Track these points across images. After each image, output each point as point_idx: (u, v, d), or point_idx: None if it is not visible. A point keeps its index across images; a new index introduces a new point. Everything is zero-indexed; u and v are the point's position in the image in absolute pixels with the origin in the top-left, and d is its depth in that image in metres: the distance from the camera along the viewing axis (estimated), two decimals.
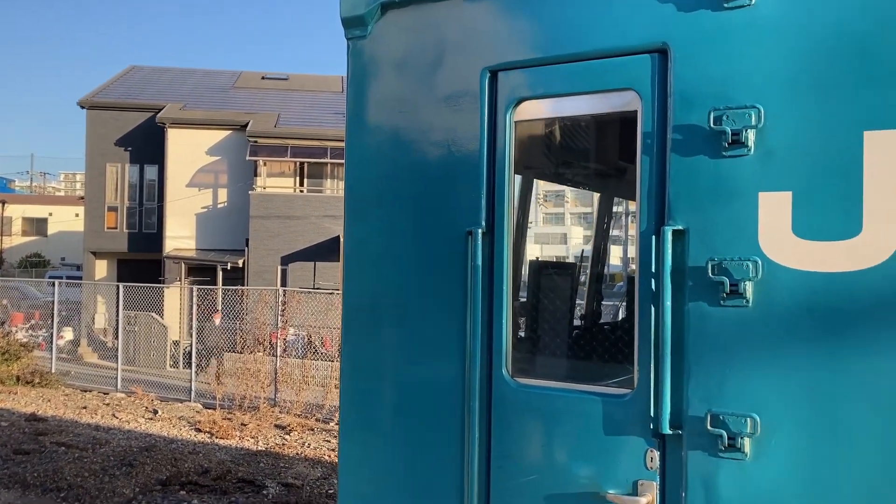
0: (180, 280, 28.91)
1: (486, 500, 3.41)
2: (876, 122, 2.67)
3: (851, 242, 2.70)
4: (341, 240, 4.10)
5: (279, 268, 28.52)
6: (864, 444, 2.66)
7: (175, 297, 25.34)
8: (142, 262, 32.08)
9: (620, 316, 4.13)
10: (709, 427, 2.88)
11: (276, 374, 16.25)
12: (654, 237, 3.06)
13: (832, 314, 2.72)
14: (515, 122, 3.44)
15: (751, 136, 2.86)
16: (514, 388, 3.38)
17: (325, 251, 28.11)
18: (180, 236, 30.93)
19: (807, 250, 2.76)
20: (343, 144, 4.03)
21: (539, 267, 4.50)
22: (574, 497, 3.19)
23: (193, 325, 18.24)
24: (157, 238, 31.74)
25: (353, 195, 3.90)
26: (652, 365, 3.04)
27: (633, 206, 3.38)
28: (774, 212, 2.82)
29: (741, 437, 2.83)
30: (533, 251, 4.79)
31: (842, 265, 2.71)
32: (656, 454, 3.04)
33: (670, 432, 2.99)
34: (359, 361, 3.82)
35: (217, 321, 17.62)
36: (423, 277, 3.63)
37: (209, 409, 15.32)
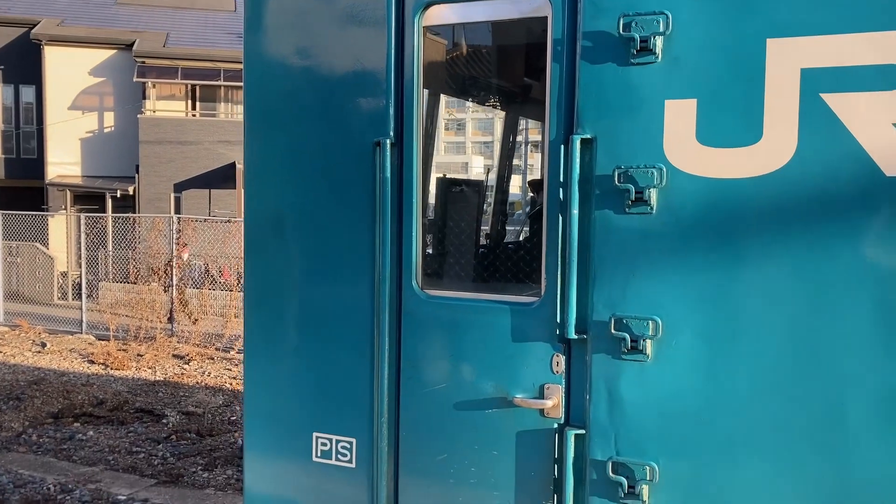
0: (66, 208, 27.44)
1: (395, 412, 3.43)
2: (778, 30, 2.73)
3: (752, 149, 2.77)
4: (238, 166, 3.94)
5: (172, 195, 27.45)
6: (759, 345, 2.80)
7: (61, 226, 24.06)
8: (22, 190, 30.15)
9: (528, 228, 4.18)
10: (612, 331, 2.96)
11: (172, 304, 15.80)
12: (562, 146, 3.06)
13: (732, 220, 2.81)
14: (424, 27, 3.34)
15: (658, 43, 2.87)
16: (423, 299, 3.38)
17: (220, 178, 27.19)
18: (64, 162, 29.19)
19: (710, 157, 2.83)
20: (238, 66, 3.85)
21: (447, 183, 4.47)
22: (482, 403, 3.24)
23: (83, 255, 17.41)
24: (38, 164, 29.85)
25: (254, 113, 3.74)
26: (559, 272, 3.09)
27: (540, 117, 3.37)
28: (679, 119, 2.87)
29: (643, 340, 2.92)
30: (441, 164, 4.74)
31: (742, 171, 2.79)
32: (562, 359, 3.12)
33: (576, 337, 3.06)
34: (263, 280, 3.72)
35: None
36: (330, 193, 3.54)
37: (102, 340, 14.80)
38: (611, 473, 2.99)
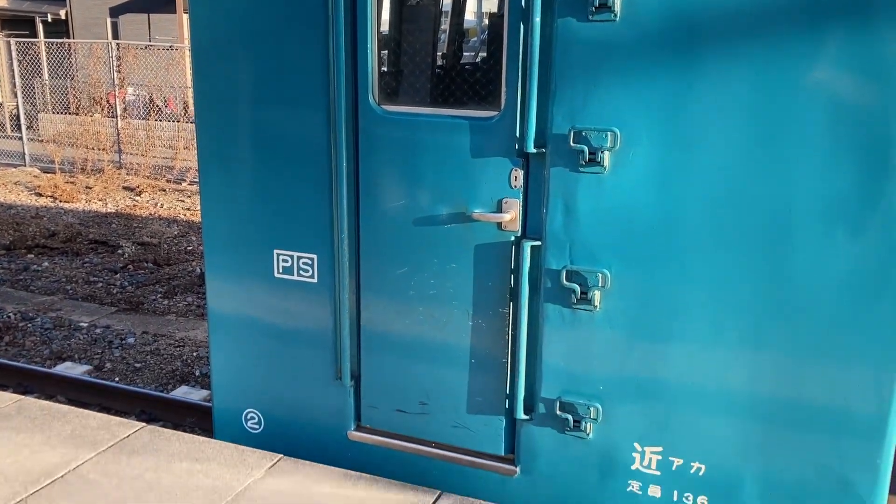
0: None
1: (355, 228, 3.46)
2: None
3: None
4: None
5: (108, 20, 25.85)
6: (714, 156, 2.84)
7: None
8: None
9: (487, 44, 4.06)
10: (571, 143, 2.97)
11: (118, 135, 15.31)
12: None
13: (695, 30, 2.76)
14: None
15: None
16: (380, 115, 3.32)
17: (160, 1, 25.60)
18: None
19: None
20: None
21: None
22: (441, 218, 3.28)
23: (17, 84, 16.55)
24: None
25: None
26: (519, 85, 3.04)
27: None
28: None
29: (601, 152, 2.94)
30: None
31: None
32: (520, 173, 3.14)
33: (534, 151, 3.07)
34: (215, 103, 3.59)
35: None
36: (283, 6, 3.36)
37: (48, 173, 14.41)
38: (564, 281, 3.10)
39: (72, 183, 13.43)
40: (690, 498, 3.12)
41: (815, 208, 2.75)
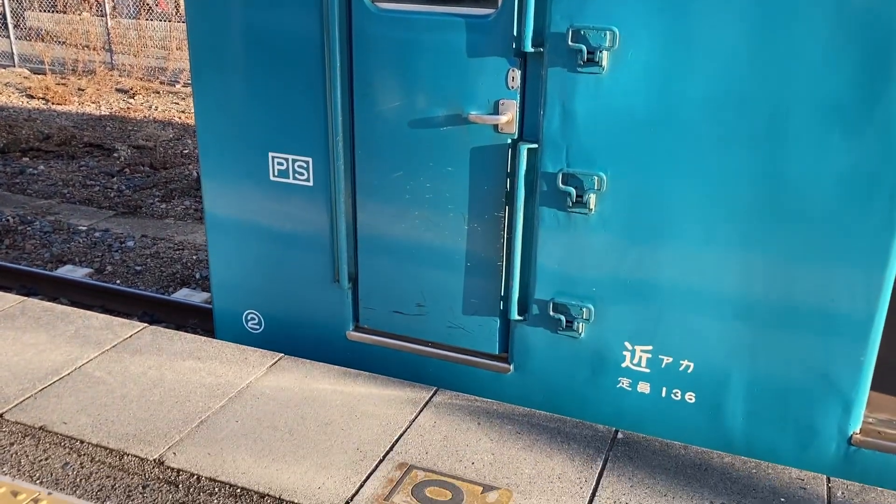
0: None
1: (350, 131, 3.43)
2: None
3: None
4: None
5: None
6: (713, 55, 2.79)
7: None
8: None
9: None
10: (569, 43, 2.92)
11: (108, 34, 14.93)
12: None
13: None
14: None
15: None
16: (375, 13, 3.24)
17: None
18: None
19: None
20: None
21: None
22: (437, 120, 3.26)
23: None
24: None
25: None
26: None
27: None
28: None
29: (600, 52, 2.89)
30: None
31: None
32: (517, 73, 3.09)
33: (532, 51, 3.01)
34: (208, 4, 3.49)
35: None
36: None
37: (38, 74, 14.12)
38: (561, 184, 3.10)
39: (63, 85, 13.19)
40: (679, 394, 3.22)
41: (813, 109, 2.73)
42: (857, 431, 3.07)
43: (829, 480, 2.89)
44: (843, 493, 2.83)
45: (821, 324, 2.95)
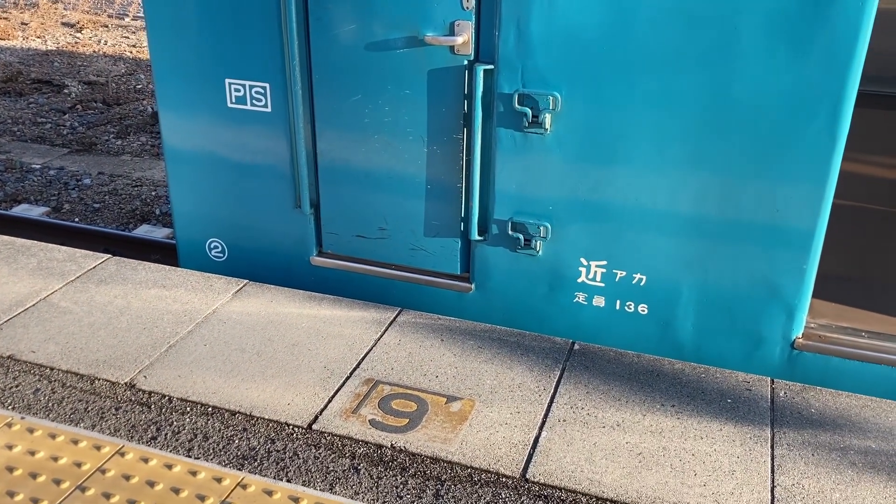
0: None
1: (307, 56, 3.42)
2: None
3: None
4: None
5: None
6: None
7: None
8: None
9: None
10: None
11: None
12: None
13: None
14: None
15: None
16: None
17: None
18: None
19: None
20: None
21: None
22: (393, 43, 3.26)
23: None
24: None
25: None
26: None
27: None
28: None
29: None
30: None
31: None
32: None
33: None
34: None
35: None
36: None
37: None
38: (517, 105, 3.16)
39: (5, 19, 12.70)
40: (632, 306, 3.36)
41: (760, 25, 2.80)
42: (800, 336, 3.24)
43: (772, 382, 3.07)
44: (785, 392, 3.01)
45: (766, 236, 3.09)
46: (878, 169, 5.16)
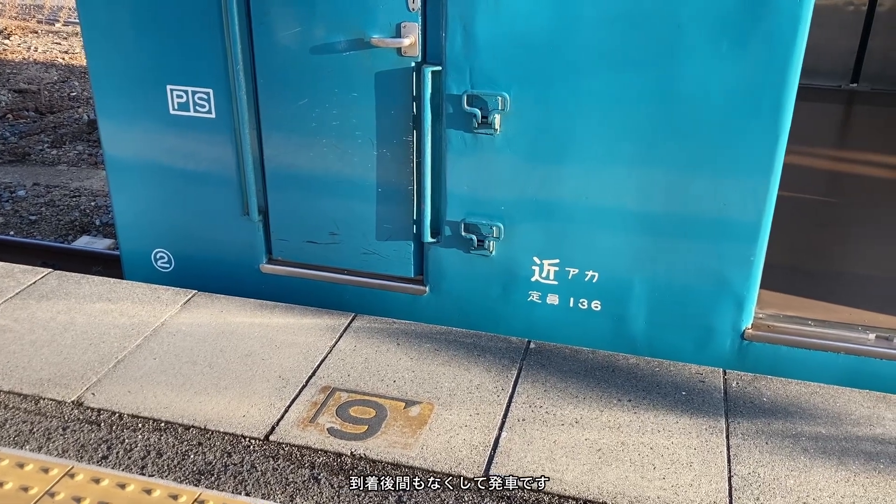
0: None
1: (251, 60, 3.36)
2: None
3: None
4: None
5: None
6: None
7: None
8: None
9: None
10: None
11: None
12: None
13: None
14: None
15: None
16: None
17: None
18: None
19: None
20: None
21: None
22: (339, 45, 3.22)
23: None
24: None
25: None
26: None
27: None
28: None
29: None
30: None
31: None
32: None
33: None
34: None
35: None
36: None
37: None
38: (466, 106, 3.15)
39: None
40: (585, 303, 3.39)
41: (702, 25, 2.84)
42: (749, 327, 3.31)
43: (725, 373, 3.13)
44: (737, 382, 3.07)
45: (714, 229, 3.14)
46: (816, 160, 5.32)
